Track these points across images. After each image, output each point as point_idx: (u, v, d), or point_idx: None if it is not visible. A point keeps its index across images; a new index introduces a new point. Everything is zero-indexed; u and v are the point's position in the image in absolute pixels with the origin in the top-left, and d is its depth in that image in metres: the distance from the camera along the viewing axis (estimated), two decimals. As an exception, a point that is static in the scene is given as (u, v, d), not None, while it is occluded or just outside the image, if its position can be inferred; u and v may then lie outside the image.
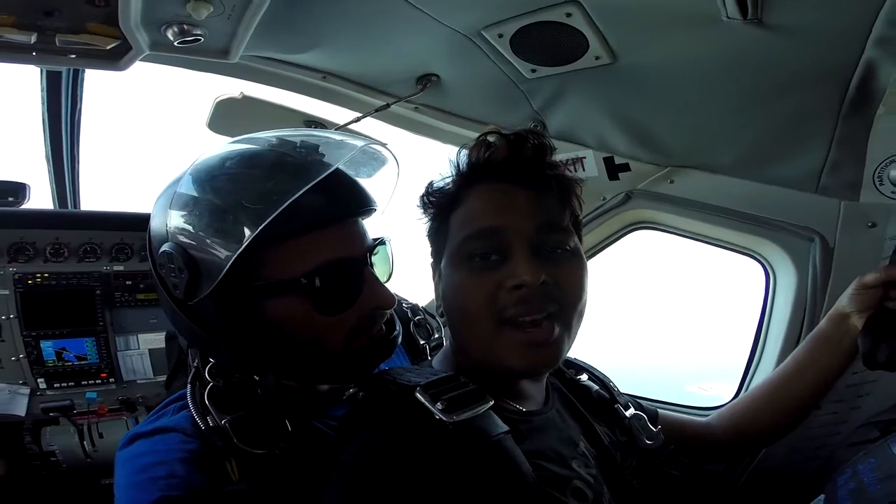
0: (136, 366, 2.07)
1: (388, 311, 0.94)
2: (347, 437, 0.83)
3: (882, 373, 1.18)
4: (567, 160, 1.61)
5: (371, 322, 0.91)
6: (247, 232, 0.78)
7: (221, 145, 0.93)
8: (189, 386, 0.91)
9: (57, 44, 1.18)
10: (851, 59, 0.99)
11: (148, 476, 0.80)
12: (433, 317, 1.32)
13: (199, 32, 1.23)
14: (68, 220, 2.00)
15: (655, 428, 1.05)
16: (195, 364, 0.94)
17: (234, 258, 0.78)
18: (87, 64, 1.32)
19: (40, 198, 2.02)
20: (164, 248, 0.85)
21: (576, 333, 0.89)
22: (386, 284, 0.95)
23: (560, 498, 0.81)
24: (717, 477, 1.47)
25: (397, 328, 0.97)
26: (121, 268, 2.05)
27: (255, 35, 1.29)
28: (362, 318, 0.90)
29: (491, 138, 0.91)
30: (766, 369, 1.50)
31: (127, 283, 2.06)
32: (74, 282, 1.99)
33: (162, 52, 1.31)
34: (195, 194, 0.86)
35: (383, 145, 0.96)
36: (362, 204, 0.92)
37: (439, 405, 0.77)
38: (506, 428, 0.79)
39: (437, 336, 1.28)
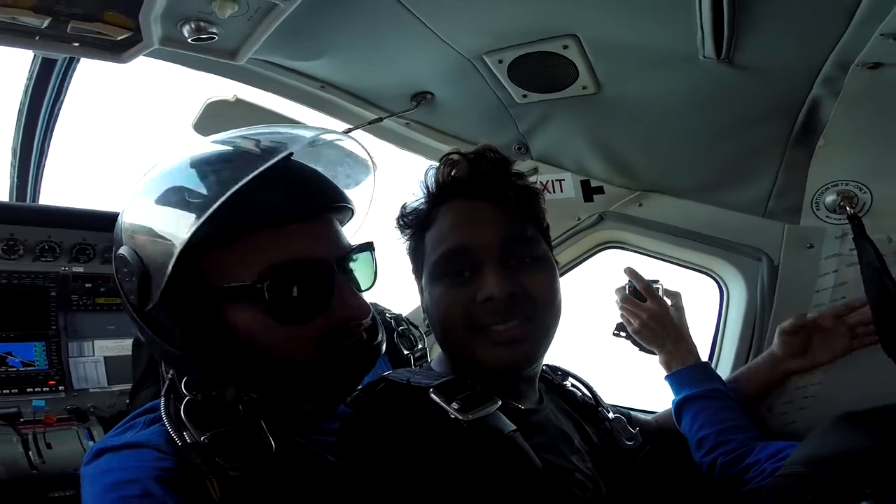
0: (88, 374, 1.96)
1: (365, 321, 0.88)
2: (354, 438, 0.86)
3: (824, 378, 1.40)
4: (547, 181, 1.74)
5: (345, 333, 0.84)
6: (186, 230, 0.74)
7: (176, 150, 0.89)
8: (163, 399, 0.84)
9: (68, 30, 1.17)
10: (801, 95, 1.18)
11: (119, 495, 0.74)
12: (416, 327, 1.37)
13: (214, 31, 1.26)
14: (27, 214, 1.90)
15: (634, 430, 1.14)
16: (169, 375, 0.87)
17: (173, 260, 0.74)
18: (89, 54, 1.30)
19: (-6, 190, 1.90)
20: (120, 251, 0.82)
21: (553, 332, 0.98)
22: (364, 294, 0.91)
23: (566, 489, 0.88)
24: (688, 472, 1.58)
25: (380, 336, 0.91)
26: (80, 269, 1.97)
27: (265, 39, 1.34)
28: (334, 329, 0.83)
29: (454, 157, 0.99)
30: (722, 374, 1.65)
31: (86, 285, 1.97)
32: (28, 282, 1.88)
33: (170, 48, 1.32)
34: (143, 198, 0.84)
35: (346, 137, 0.94)
36: (330, 200, 0.87)
37: (454, 405, 0.82)
38: (514, 426, 0.85)
39: (420, 346, 1.33)
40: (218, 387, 0.83)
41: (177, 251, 0.73)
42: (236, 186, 0.73)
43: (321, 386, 0.85)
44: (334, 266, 0.83)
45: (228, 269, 0.79)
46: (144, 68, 1.54)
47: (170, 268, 0.74)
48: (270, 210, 0.79)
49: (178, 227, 0.75)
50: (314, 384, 0.84)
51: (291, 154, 0.83)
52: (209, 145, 0.88)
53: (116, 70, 1.42)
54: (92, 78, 1.92)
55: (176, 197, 0.79)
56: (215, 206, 0.72)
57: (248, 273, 0.78)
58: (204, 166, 0.82)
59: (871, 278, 1.22)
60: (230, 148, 0.85)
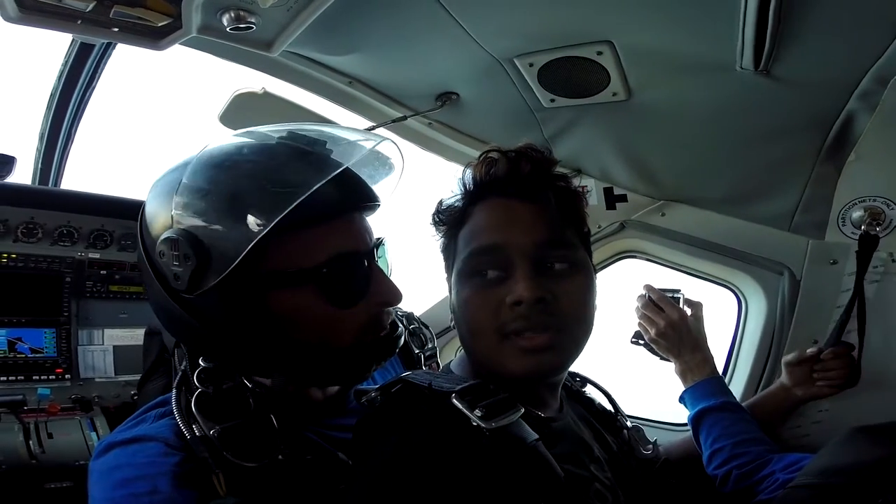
0: (96, 363, 1.94)
1: (395, 308, 0.96)
2: (369, 441, 0.83)
3: (835, 396, 1.42)
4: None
5: (379, 320, 0.92)
6: (265, 218, 0.77)
7: (229, 137, 0.93)
8: (175, 391, 0.85)
9: (111, 15, 1.17)
10: (835, 109, 1.18)
11: (128, 492, 0.75)
12: (426, 326, 1.36)
13: (253, 21, 1.26)
14: (48, 198, 1.88)
15: (651, 440, 1.13)
16: (182, 367, 0.89)
17: (253, 243, 0.76)
18: (128, 40, 1.29)
19: (18, 174, 1.89)
20: (168, 234, 0.81)
21: (582, 344, 0.94)
22: None
23: (585, 499, 0.86)
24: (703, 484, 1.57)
25: (400, 328, 0.97)
26: (97, 255, 1.94)
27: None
28: (372, 316, 0.90)
29: (493, 155, 0.96)
30: (737, 387, 1.65)
31: (101, 272, 1.95)
32: (44, 266, 1.87)
33: (207, 37, 1.32)
34: (208, 180, 0.84)
35: (394, 144, 1.00)
36: (370, 198, 0.95)
37: (477, 412, 0.79)
38: (536, 435, 0.82)
39: (430, 346, 1.32)
40: (249, 372, 0.86)
41: (255, 240, 0.76)
42: (316, 186, 0.79)
43: (348, 369, 0.91)
44: (373, 255, 0.92)
45: (284, 257, 0.83)
46: (172, 59, 1.55)
47: (241, 255, 0.77)
48: (328, 206, 0.86)
49: (254, 219, 0.78)
50: (343, 367, 0.90)
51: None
52: (264, 138, 0.91)
53: (144, 59, 1.43)
54: (120, 66, 1.93)
55: (250, 187, 0.81)
56: (295, 202, 0.76)
57: (308, 260, 0.84)
58: (280, 161, 0.86)
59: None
60: (290, 145, 0.89)
